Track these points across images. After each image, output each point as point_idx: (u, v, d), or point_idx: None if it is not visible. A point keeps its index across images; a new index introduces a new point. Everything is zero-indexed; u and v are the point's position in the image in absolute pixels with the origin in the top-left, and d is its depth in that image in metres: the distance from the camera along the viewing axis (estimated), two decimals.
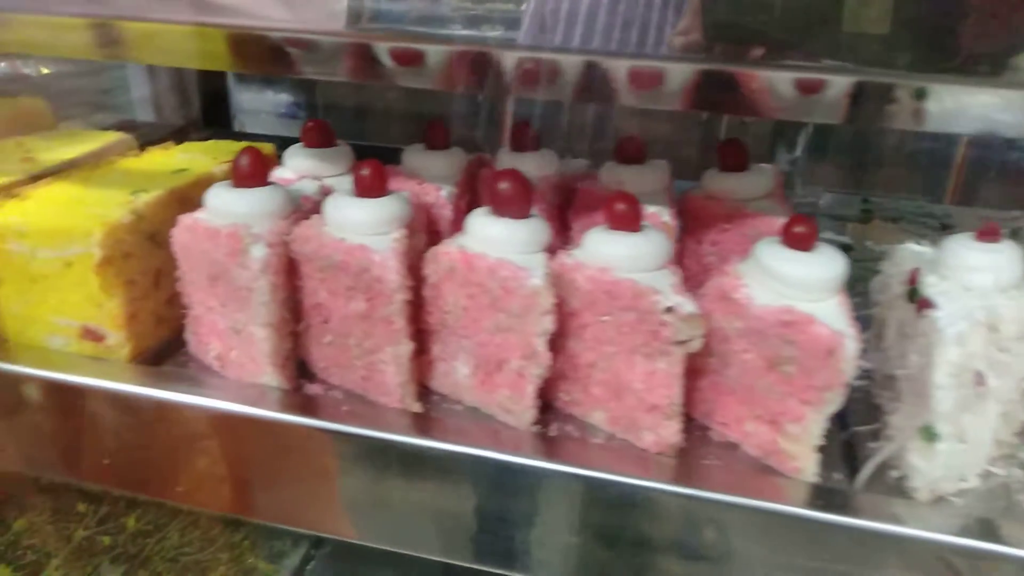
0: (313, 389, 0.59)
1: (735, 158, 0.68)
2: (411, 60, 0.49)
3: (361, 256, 0.53)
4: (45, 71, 1.17)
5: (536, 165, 0.71)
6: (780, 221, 0.54)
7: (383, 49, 0.49)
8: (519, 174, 0.56)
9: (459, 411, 0.58)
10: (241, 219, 0.56)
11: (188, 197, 0.65)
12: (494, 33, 0.46)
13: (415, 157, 0.71)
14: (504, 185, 0.55)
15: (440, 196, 0.68)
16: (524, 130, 0.72)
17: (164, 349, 0.64)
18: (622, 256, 0.52)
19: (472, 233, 0.55)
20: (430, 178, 0.69)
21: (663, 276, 0.52)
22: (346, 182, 0.69)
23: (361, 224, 0.56)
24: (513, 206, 0.55)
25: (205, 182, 0.68)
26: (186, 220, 0.58)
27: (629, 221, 0.54)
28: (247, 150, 0.58)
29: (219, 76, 1.42)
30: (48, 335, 0.61)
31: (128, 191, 0.63)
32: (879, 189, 1.24)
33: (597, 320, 0.53)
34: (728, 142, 0.69)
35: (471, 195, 0.72)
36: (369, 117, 1.64)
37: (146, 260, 0.61)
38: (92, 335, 0.60)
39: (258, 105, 1.52)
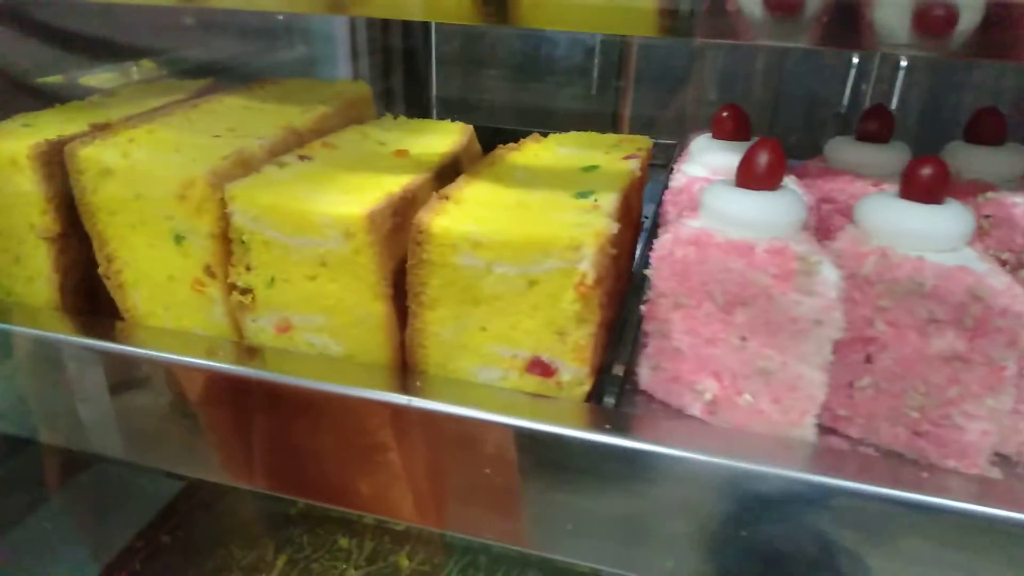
0: (834, 442, 0.47)
1: None
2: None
3: (967, 280, 0.41)
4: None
5: (1004, 163, 0.58)
6: None
7: None
8: None
9: None
10: (775, 231, 0.44)
11: (629, 200, 0.54)
12: None
13: (970, 155, 0.58)
14: None
15: None
16: (991, 118, 0.59)
17: (599, 385, 0.52)
18: None
19: None
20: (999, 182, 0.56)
21: None
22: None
23: (934, 238, 0.43)
24: None
25: (636, 183, 0.57)
26: (684, 231, 0.46)
27: None
28: (764, 143, 0.46)
29: (423, 62, 1.32)
30: (480, 367, 0.50)
31: (570, 193, 0.52)
32: None
33: None
34: None
35: None
36: (475, 102, 1.53)
37: (610, 278, 0.50)
38: (542, 369, 0.49)
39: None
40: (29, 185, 0.54)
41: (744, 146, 0.59)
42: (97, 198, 0.54)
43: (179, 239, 0.53)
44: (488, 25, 0.59)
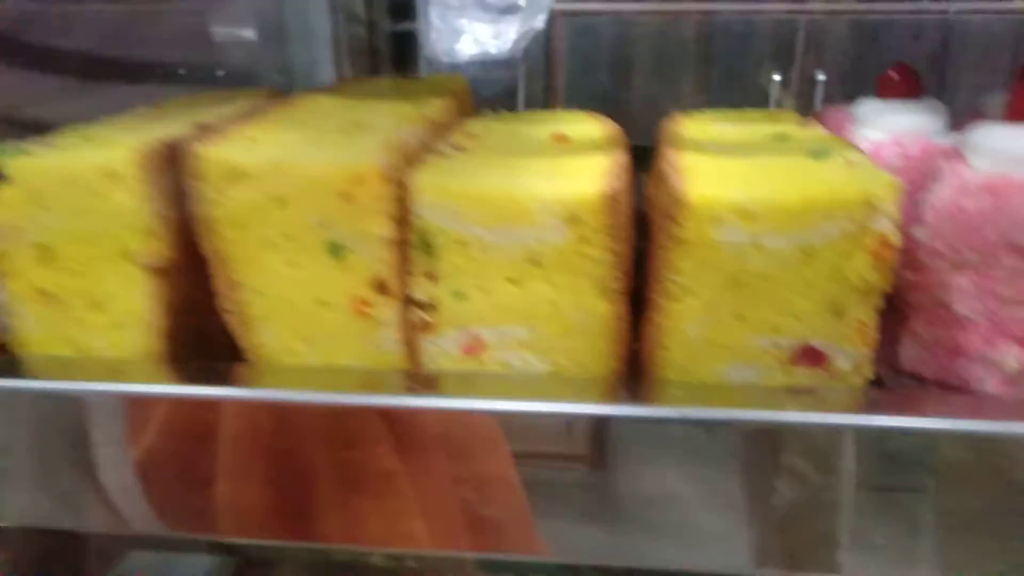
0: None
1: None
2: None
3: None
4: None
5: None
6: None
7: None
8: None
9: None
10: None
11: None
12: None
13: None
14: None
15: None
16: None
17: None
18: None
19: None
20: None
21: None
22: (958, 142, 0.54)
23: None
24: None
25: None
26: (971, 179, 0.40)
27: None
28: None
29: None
30: (731, 364, 0.42)
31: (801, 154, 0.45)
32: None
33: None
34: None
35: None
36: None
37: None
38: (812, 357, 0.42)
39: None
40: (131, 201, 0.42)
41: (920, 104, 0.56)
42: (222, 210, 0.43)
43: (337, 250, 0.43)
44: None
